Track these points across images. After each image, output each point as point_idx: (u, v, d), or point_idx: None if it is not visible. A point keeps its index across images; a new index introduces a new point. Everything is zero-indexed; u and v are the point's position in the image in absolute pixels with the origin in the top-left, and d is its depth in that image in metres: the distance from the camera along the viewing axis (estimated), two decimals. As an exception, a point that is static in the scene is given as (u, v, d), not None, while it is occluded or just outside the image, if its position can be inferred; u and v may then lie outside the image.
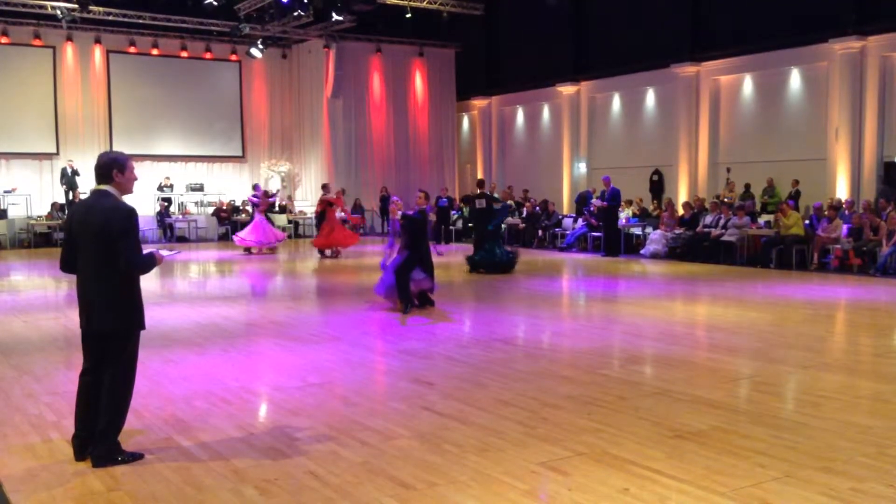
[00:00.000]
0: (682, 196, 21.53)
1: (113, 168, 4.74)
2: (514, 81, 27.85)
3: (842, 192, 18.57)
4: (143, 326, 4.87)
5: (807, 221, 16.54)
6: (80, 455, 4.71)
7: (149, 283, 14.60)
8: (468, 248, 17.11)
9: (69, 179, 23.36)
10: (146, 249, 4.78)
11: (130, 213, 4.70)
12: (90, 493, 4.30)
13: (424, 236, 10.84)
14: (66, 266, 4.82)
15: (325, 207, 19.22)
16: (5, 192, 23.55)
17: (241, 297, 12.62)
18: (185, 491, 4.32)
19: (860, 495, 4.19)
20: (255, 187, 21.26)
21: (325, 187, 19.78)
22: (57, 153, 24.90)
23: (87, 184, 24.36)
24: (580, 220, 21.04)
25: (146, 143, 26.27)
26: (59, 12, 22.47)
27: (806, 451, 4.91)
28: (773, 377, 6.96)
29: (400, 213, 10.87)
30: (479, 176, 28.99)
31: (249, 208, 23.08)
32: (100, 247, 4.61)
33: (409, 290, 10.43)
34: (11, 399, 5.93)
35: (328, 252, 19.20)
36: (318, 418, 5.66)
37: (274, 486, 4.37)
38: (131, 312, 4.74)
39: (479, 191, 16.65)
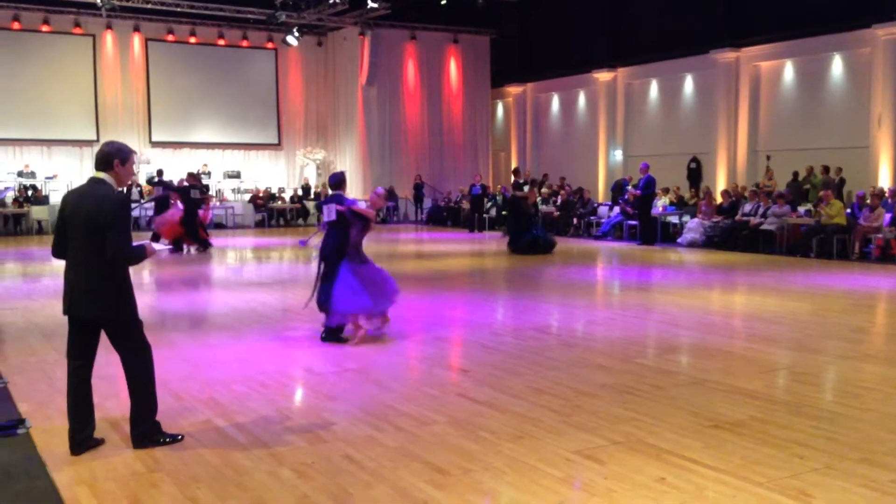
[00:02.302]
0: (721, 184, 21.25)
1: (115, 158, 4.71)
2: (550, 68, 27.65)
3: (885, 180, 18.19)
4: (135, 316, 4.77)
5: (848, 210, 16.24)
6: (76, 450, 4.66)
7: (185, 268, 14.82)
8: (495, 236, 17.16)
9: None
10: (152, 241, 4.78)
11: (123, 203, 4.68)
12: (131, 474, 4.39)
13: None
14: (58, 251, 4.78)
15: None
16: (47, 178, 24.01)
17: (278, 283, 12.73)
18: (224, 473, 4.39)
19: (902, 488, 4.12)
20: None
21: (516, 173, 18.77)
22: (97, 140, 25.29)
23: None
24: (616, 209, 20.89)
25: (184, 130, 26.62)
26: (99, 1, 22.78)
27: (846, 442, 4.84)
28: (812, 367, 6.86)
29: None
30: (514, 164, 28.96)
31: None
32: (89, 234, 4.57)
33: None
34: (54, 382, 6.05)
35: None
36: (355, 403, 5.71)
37: (311, 470, 4.42)
38: (117, 302, 4.67)
39: (514, 179, 16.93)
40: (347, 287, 7.49)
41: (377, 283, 7.80)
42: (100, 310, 4.65)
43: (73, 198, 4.77)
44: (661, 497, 4.03)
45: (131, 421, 4.79)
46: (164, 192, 17.80)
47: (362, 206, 8.29)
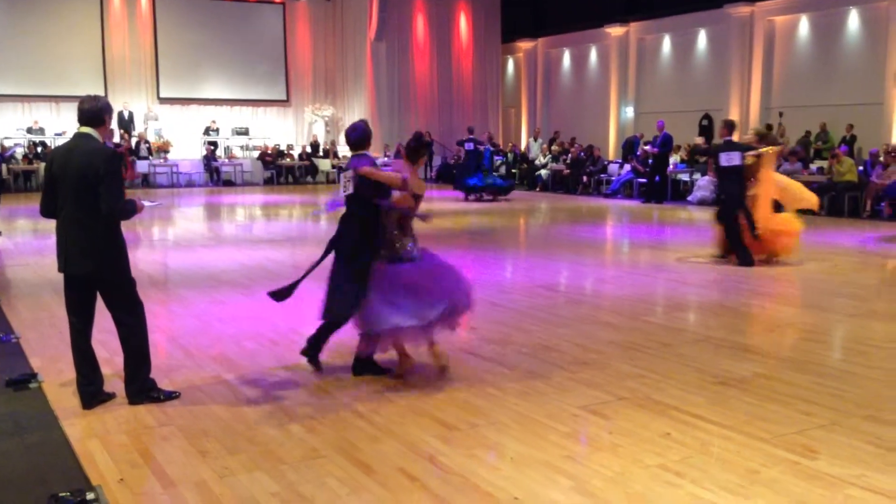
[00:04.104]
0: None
1: (105, 113, 4.69)
2: (561, 23, 27.27)
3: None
4: (128, 273, 4.77)
5: (860, 167, 16.08)
6: (87, 404, 4.71)
7: (196, 226, 14.86)
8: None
9: (125, 123, 23.72)
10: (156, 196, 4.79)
11: (112, 156, 4.63)
12: (142, 427, 4.46)
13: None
14: (46, 210, 4.74)
15: None
16: (56, 134, 23.98)
17: (286, 240, 12.76)
18: (233, 426, 4.45)
19: (906, 445, 4.14)
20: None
21: None
22: (105, 96, 25.20)
23: (140, 127, 24.72)
24: (626, 166, 20.75)
25: (192, 86, 26.47)
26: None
27: (852, 399, 4.86)
28: (819, 325, 6.86)
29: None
30: (524, 121, 28.81)
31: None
32: (80, 190, 4.53)
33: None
34: (65, 336, 6.08)
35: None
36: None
37: (320, 425, 4.47)
38: (111, 257, 4.66)
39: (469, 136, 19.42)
40: (382, 298, 5.12)
41: (422, 288, 5.16)
42: (94, 266, 4.64)
43: (60, 154, 4.72)
44: (666, 451, 4.07)
45: (126, 379, 4.83)
46: None
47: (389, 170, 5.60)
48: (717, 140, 10.10)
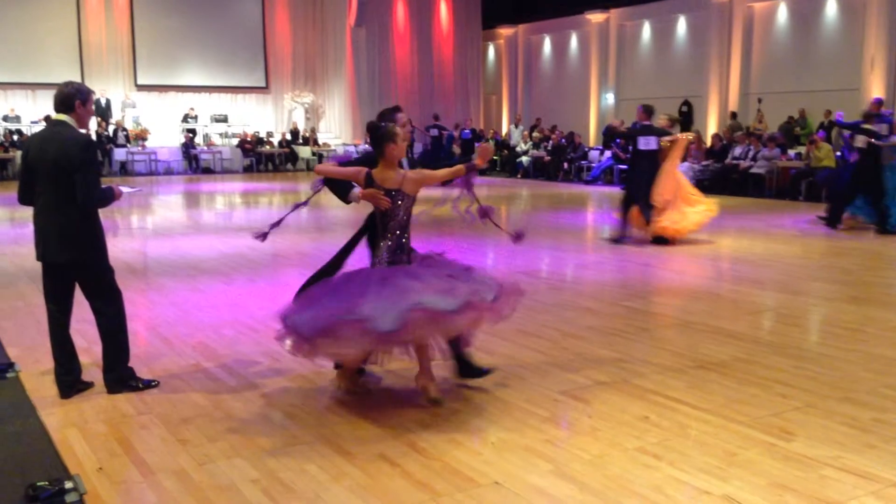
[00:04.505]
0: (712, 127, 21.16)
1: (76, 99, 4.62)
2: (542, 9, 27.20)
3: (876, 123, 18.12)
4: (107, 261, 4.73)
5: (838, 153, 16.21)
6: (65, 393, 4.67)
7: (175, 214, 14.76)
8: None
9: (102, 110, 23.45)
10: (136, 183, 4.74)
11: (89, 144, 4.59)
12: (121, 416, 4.43)
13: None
14: (24, 198, 4.69)
15: None
16: (32, 122, 23.68)
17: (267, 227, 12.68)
18: (213, 414, 4.44)
19: (882, 425, 4.20)
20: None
21: None
22: (81, 83, 24.89)
23: (117, 116, 24.45)
24: (606, 153, 20.80)
25: (170, 73, 26.19)
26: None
27: (828, 381, 4.92)
28: (797, 309, 6.93)
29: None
30: (506, 108, 28.82)
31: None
32: (57, 178, 4.48)
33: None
34: (43, 325, 6.02)
35: None
36: (343, 346, 5.74)
37: (300, 412, 4.47)
38: (89, 245, 4.61)
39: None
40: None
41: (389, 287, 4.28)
42: (73, 254, 4.59)
43: (36, 142, 4.66)
44: (644, 435, 4.10)
45: (104, 368, 4.79)
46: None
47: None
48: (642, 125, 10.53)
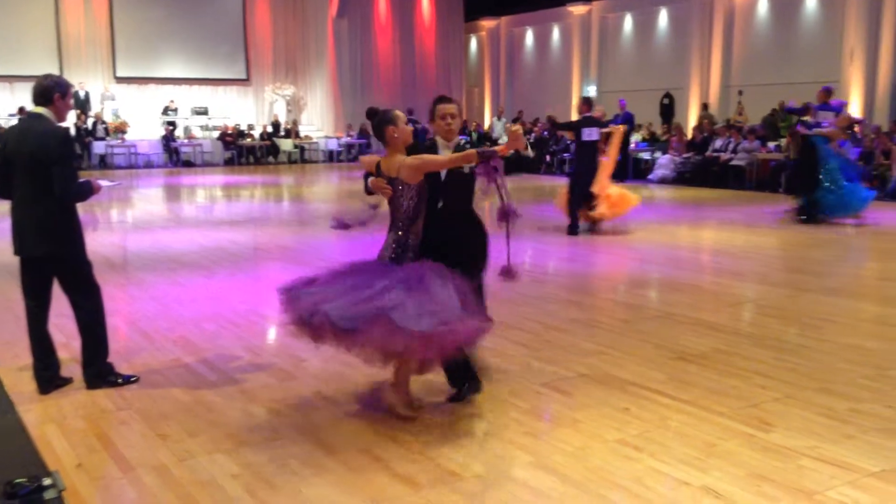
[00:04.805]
0: (693, 120, 21.26)
1: (55, 92, 4.58)
2: (524, 1, 27.20)
3: (854, 114, 18.27)
4: (85, 255, 4.68)
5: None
6: (44, 389, 4.64)
7: (155, 207, 14.65)
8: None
9: (81, 103, 23.22)
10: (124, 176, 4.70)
11: (66, 138, 4.56)
12: (100, 412, 4.40)
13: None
14: (1, 191, 4.64)
15: None
16: (10, 115, 23.40)
17: (248, 221, 12.63)
18: (194, 410, 4.41)
19: (858, 416, 4.25)
20: None
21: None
22: (60, 76, 24.62)
23: (94, 107, 24.20)
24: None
25: (150, 65, 25.91)
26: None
27: (806, 372, 4.96)
28: (776, 301, 6.98)
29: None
30: (488, 100, 28.80)
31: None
32: (34, 171, 4.45)
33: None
34: (21, 320, 5.95)
35: None
36: (325, 340, 5.72)
37: (282, 407, 4.46)
38: (67, 239, 4.57)
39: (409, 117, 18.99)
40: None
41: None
42: (50, 248, 4.55)
43: (13, 134, 4.62)
44: (625, 426, 4.12)
45: (83, 363, 4.76)
46: None
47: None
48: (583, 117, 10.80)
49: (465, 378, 4.49)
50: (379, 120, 4.33)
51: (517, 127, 4.23)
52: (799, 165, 12.02)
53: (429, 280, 4.00)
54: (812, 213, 11.54)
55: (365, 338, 3.91)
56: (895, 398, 4.52)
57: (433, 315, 3.83)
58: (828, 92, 12.25)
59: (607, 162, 10.77)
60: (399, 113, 4.40)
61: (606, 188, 10.73)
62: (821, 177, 11.44)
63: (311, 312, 3.99)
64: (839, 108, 11.99)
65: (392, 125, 4.30)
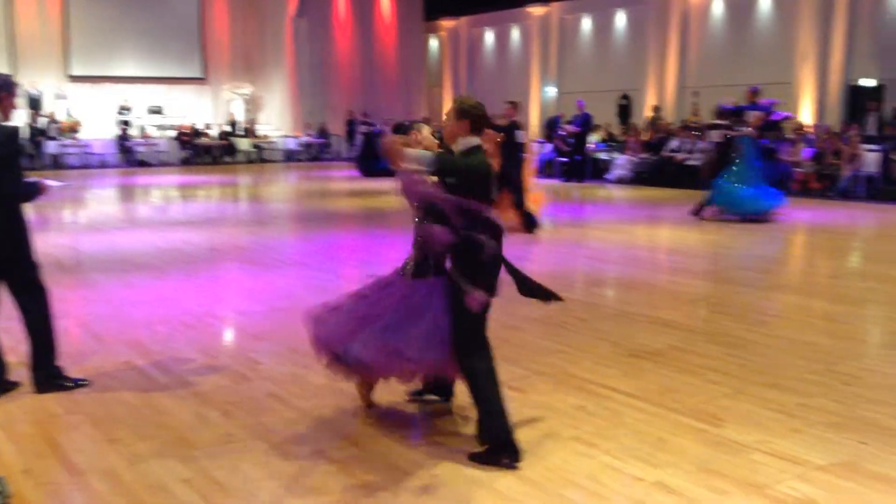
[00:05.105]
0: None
1: (2, 91, 4.49)
2: (484, 2, 27.27)
3: (806, 115, 18.65)
4: (31, 257, 4.58)
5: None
6: None
7: (108, 208, 14.40)
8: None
9: (34, 102, 22.73)
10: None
11: (13, 135, 4.47)
12: (49, 416, 4.30)
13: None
14: None
15: None
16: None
17: (204, 221, 12.47)
18: (145, 413, 4.34)
19: (807, 410, 4.33)
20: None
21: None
22: (11, 74, 24.05)
23: (46, 107, 23.69)
24: (547, 146, 20.96)
25: (104, 64, 25.44)
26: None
27: (756, 368, 5.05)
28: (728, 298, 7.10)
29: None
30: (448, 100, 28.74)
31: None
32: None
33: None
34: (-31, 324, 5.86)
35: None
36: (282, 343, 5.66)
37: (236, 409, 4.40)
38: (14, 239, 4.48)
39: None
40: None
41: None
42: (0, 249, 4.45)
43: None
44: (580, 424, 4.15)
45: (32, 366, 4.66)
46: None
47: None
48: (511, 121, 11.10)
49: (450, 390, 4.43)
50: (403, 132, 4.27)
51: (392, 139, 3.80)
52: (714, 162, 12.39)
53: (437, 304, 4.11)
54: (702, 204, 11.86)
55: (385, 373, 4.10)
56: (842, 393, 4.62)
57: (443, 343, 3.96)
58: (755, 92, 12.54)
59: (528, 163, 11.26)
60: (422, 125, 4.41)
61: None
62: (726, 174, 11.68)
63: (343, 351, 4.04)
64: (768, 108, 12.25)
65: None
